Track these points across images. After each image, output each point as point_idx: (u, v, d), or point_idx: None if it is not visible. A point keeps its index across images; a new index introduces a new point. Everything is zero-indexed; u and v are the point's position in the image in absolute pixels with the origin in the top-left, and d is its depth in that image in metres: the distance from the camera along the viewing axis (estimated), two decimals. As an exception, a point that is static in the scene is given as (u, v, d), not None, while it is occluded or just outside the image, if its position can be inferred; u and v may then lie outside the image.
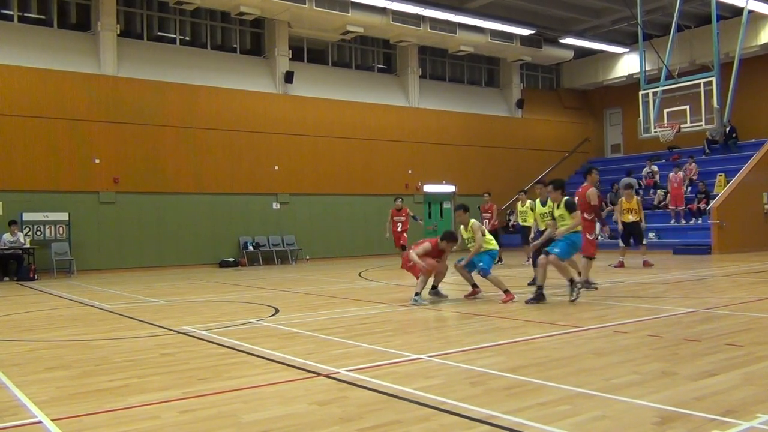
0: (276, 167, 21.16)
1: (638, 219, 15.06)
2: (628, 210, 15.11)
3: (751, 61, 22.44)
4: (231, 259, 19.94)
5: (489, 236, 9.71)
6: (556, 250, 8.83)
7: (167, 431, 3.78)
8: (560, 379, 4.59)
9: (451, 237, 9.59)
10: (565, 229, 8.95)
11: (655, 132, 17.71)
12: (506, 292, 9.25)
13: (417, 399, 4.21)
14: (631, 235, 15.16)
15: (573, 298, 8.83)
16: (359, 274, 15.32)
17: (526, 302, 8.87)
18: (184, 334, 7.15)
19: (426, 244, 9.59)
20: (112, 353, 6.15)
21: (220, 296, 11.23)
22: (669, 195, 21.74)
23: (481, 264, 9.45)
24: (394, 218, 17.36)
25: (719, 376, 4.59)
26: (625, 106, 27.74)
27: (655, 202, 22.67)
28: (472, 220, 9.64)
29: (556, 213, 9.26)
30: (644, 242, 15.68)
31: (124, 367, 5.52)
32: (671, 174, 21.66)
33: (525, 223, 15.72)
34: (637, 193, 23.95)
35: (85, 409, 4.21)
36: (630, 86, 25.37)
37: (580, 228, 9.28)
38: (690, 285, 11.06)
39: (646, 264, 14.85)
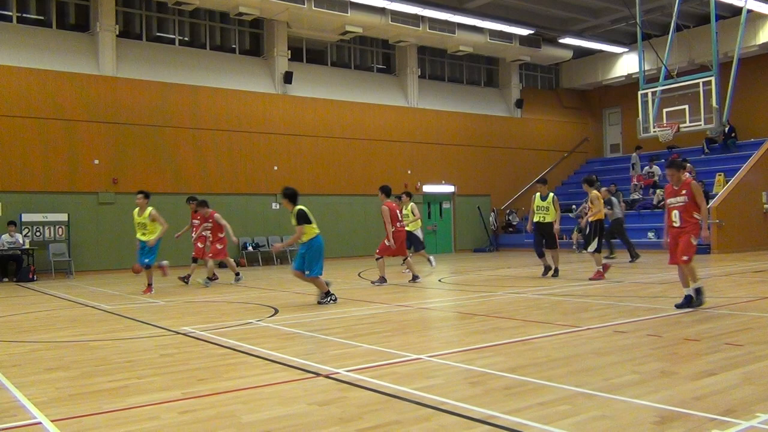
0: (275, 167, 21.16)
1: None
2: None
3: (750, 61, 22.47)
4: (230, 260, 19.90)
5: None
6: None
7: (167, 432, 3.78)
8: (560, 379, 4.59)
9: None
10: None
11: (655, 132, 17.71)
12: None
13: (417, 399, 4.21)
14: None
15: None
16: (359, 275, 15.31)
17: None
18: (183, 334, 7.15)
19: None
20: (112, 354, 6.14)
21: (220, 297, 11.22)
22: None
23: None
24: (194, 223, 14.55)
25: (719, 376, 4.60)
26: (624, 106, 27.77)
27: (655, 202, 22.71)
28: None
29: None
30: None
31: (123, 367, 5.51)
32: None
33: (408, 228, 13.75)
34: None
35: (84, 410, 4.21)
36: (629, 86, 25.42)
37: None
38: (689, 284, 11.03)
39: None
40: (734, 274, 12.63)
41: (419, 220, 15.07)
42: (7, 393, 4.71)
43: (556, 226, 12.78)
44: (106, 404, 4.33)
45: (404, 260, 13.37)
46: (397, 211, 12.65)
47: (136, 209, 12.16)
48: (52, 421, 3.97)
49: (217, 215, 13.92)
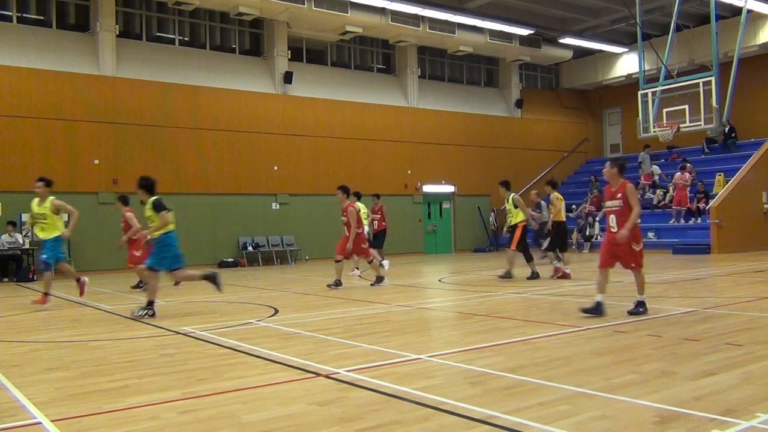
0: (275, 167, 21.17)
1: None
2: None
3: (750, 61, 22.48)
4: (230, 260, 19.93)
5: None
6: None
7: (167, 432, 3.78)
8: (560, 379, 4.59)
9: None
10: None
11: (655, 132, 17.72)
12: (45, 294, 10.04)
13: (417, 399, 4.21)
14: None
15: None
16: (359, 275, 15.29)
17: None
18: (183, 334, 7.15)
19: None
20: (112, 354, 6.14)
21: (220, 297, 11.22)
22: (674, 194, 21.79)
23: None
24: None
25: (719, 376, 4.60)
26: (624, 106, 27.79)
27: (655, 202, 22.72)
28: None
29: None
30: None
31: (123, 367, 5.51)
32: (677, 174, 21.72)
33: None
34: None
35: (84, 410, 4.21)
36: (629, 86, 25.42)
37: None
38: (689, 284, 11.06)
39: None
40: (734, 274, 12.63)
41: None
42: (7, 393, 4.71)
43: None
44: (106, 404, 4.33)
45: (338, 261, 12.03)
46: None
47: (36, 200, 10.20)
48: (52, 421, 3.97)
49: (128, 214, 12.22)
